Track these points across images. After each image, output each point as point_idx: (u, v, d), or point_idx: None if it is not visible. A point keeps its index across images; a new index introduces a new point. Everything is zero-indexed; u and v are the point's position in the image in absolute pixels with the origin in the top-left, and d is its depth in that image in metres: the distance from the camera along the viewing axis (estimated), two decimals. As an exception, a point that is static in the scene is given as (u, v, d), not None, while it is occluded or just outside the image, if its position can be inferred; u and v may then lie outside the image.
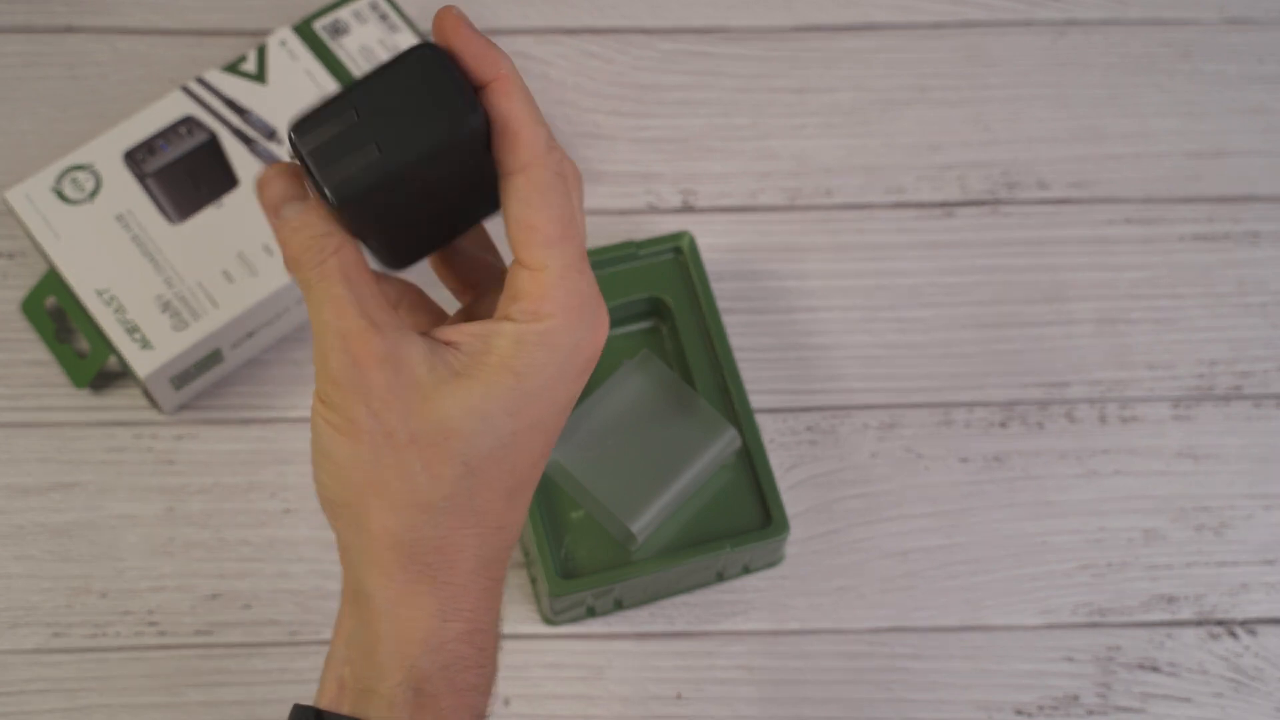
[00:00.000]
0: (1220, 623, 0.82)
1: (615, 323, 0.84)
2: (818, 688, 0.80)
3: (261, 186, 0.54)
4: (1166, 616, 0.82)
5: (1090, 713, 0.79)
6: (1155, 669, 0.81)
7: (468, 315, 0.59)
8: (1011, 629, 0.81)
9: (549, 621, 0.80)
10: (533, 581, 0.80)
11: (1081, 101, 0.94)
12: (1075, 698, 0.80)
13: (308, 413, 0.61)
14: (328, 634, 0.78)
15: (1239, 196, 0.92)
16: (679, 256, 0.84)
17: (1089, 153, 0.93)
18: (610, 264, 0.84)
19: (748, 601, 0.81)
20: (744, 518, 0.79)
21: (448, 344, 0.53)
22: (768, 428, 0.85)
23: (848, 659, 0.80)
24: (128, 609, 0.80)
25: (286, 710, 0.59)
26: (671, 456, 0.78)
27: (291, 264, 0.53)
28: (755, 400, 0.85)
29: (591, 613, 0.80)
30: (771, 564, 0.82)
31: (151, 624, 0.80)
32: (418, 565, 0.53)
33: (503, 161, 0.53)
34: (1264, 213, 0.92)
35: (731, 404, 0.81)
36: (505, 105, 0.52)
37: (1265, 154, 0.93)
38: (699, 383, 0.81)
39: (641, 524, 0.77)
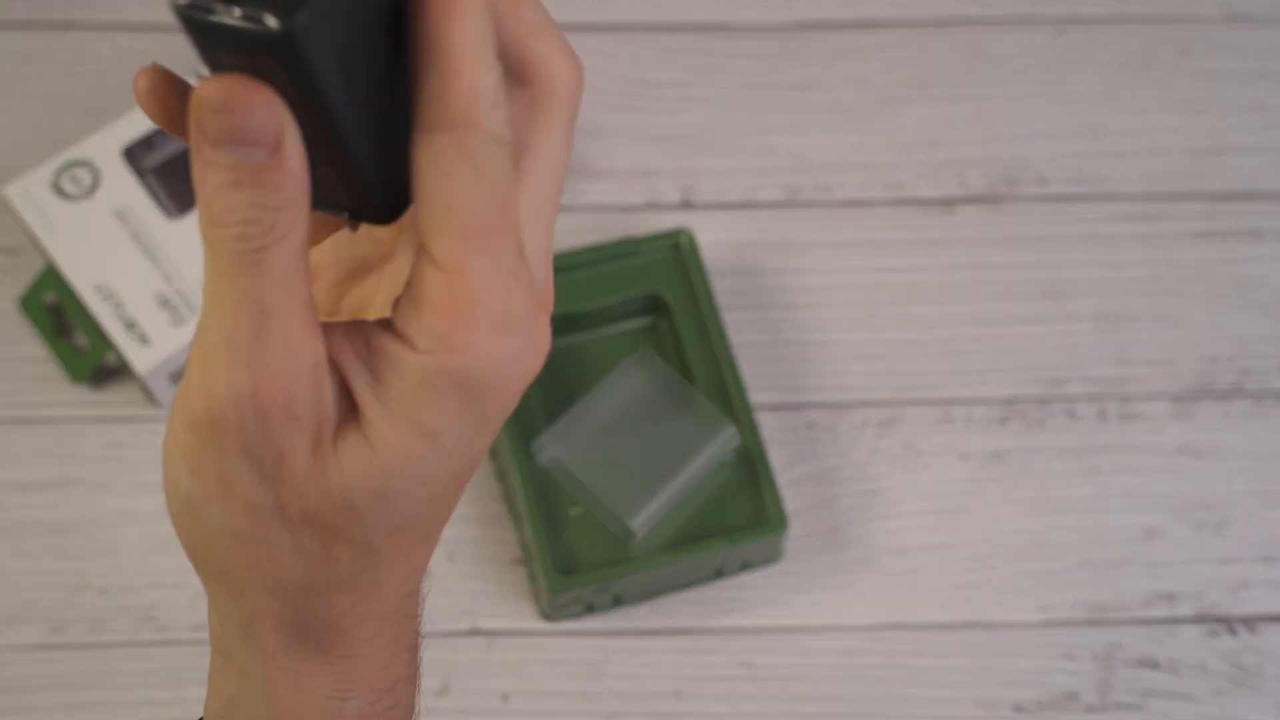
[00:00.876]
0: (1220, 620, 0.82)
1: (614, 319, 0.84)
2: (817, 685, 0.80)
3: (202, 102, 0.34)
4: (1166, 613, 0.82)
5: (1090, 710, 0.79)
6: (1155, 666, 0.80)
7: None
8: (1011, 626, 0.81)
9: (547, 618, 0.80)
10: (531, 578, 0.80)
11: (1082, 98, 0.94)
12: (1075, 695, 0.80)
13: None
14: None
15: (1239, 193, 0.92)
16: (678, 253, 0.84)
17: (1089, 149, 0.93)
18: (609, 260, 0.83)
19: (747, 598, 0.81)
20: (743, 514, 0.79)
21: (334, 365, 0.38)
22: (767, 424, 0.85)
23: (847, 656, 0.80)
24: (126, 605, 0.80)
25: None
26: (670, 453, 0.78)
27: (211, 226, 0.36)
28: (754, 397, 0.85)
29: (590, 609, 0.80)
30: (770, 560, 0.82)
31: (150, 620, 0.80)
32: (307, 644, 0.42)
33: (426, 110, 0.36)
34: (1265, 209, 0.91)
35: (730, 401, 0.80)
36: (444, 28, 0.35)
37: (1266, 151, 0.93)
38: (698, 379, 0.81)
39: (640, 521, 0.77)
